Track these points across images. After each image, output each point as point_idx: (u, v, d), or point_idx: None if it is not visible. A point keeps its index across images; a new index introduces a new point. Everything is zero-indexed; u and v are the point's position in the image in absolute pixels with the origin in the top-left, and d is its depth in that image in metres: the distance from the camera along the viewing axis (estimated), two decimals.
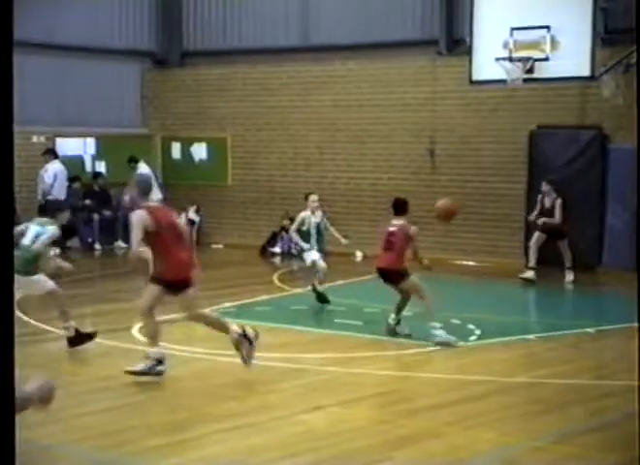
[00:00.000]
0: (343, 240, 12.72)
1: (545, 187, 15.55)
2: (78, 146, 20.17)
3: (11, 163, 3.27)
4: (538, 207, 15.58)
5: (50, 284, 9.27)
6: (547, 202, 15.56)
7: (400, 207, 10.80)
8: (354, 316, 11.52)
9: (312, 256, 12.29)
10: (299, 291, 13.85)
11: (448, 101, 17.74)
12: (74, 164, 19.62)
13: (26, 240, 9.16)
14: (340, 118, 19.00)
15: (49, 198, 18.07)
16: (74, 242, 19.39)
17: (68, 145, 19.91)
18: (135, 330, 10.79)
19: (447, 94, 17.70)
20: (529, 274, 15.32)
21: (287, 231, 19.15)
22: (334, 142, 19.15)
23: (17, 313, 11.66)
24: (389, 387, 8.70)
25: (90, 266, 17.95)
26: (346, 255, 18.20)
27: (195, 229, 20.41)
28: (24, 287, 8.92)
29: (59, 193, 18.34)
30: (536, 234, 15.49)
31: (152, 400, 8.04)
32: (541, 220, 15.44)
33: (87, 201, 19.56)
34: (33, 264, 9.10)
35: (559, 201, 15.42)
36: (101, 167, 20.44)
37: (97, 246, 19.32)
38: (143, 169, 19.58)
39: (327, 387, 8.69)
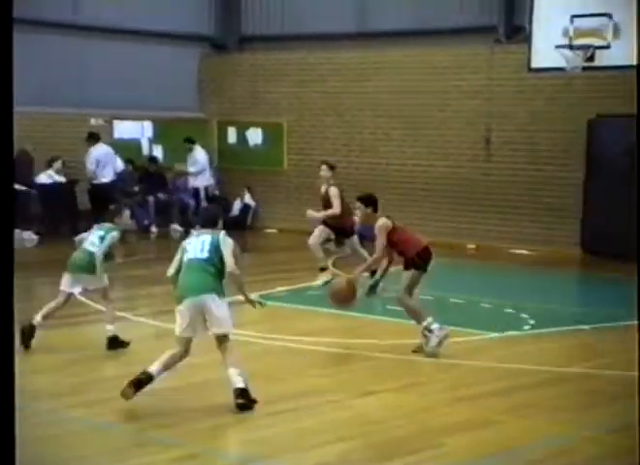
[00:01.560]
0: None
1: (325, 172, 13.35)
2: (135, 130, 20.34)
3: (11, 163, 3.33)
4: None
5: (106, 282, 9.53)
6: (322, 189, 13.32)
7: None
8: None
9: None
10: (352, 276, 13.80)
11: (505, 88, 17.59)
12: (131, 147, 19.81)
13: (87, 244, 9.41)
14: (395, 105, 18.93)
15: (95, 182, 18.18)
16: (130, 225, 19.58)
17: (125, 129, 20.10)
18: None
19: (504, 81, 17.55)
20: (319, 281, 12.96)
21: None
22: (388, 129, 19.09)
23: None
24: (439, 375, 8.69)
25: (146, 249, 18.16)
26: None
27: (251, 213, 20.54)
28: (84, 282, 9.37)
29: (104, 176, 18.16)
30: (316, 229, 13.25)
31: (203, 382, 8.10)
32: (322, 212, 13.19)
33: (138, 187, 19.59)
34: (94, 265, 9.35)
35: (332, 190, 13.10)
36: (157, 150, 20.60)
37: (153, 229, 19.48)
38: (198, 151, 19.71)
39: (377, 372, 8.70)
